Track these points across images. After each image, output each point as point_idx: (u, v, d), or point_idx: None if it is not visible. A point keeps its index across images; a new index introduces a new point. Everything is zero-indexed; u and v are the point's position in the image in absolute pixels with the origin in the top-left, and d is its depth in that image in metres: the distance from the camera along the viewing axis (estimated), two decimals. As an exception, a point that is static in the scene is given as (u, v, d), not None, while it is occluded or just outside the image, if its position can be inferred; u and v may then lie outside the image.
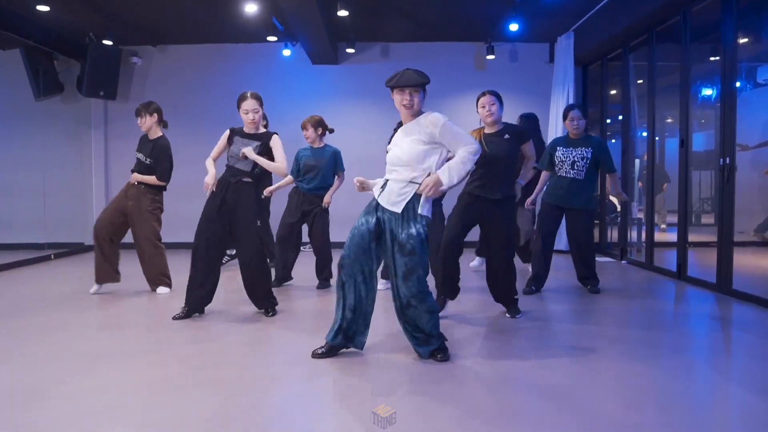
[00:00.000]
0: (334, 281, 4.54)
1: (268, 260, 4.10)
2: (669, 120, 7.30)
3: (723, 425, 2.22)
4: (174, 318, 3.73)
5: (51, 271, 6.03)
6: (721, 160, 4.54)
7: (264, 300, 3.85)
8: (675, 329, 3.70)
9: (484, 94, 3.72)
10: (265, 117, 4.83)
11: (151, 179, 4.46)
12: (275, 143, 3.82)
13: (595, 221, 6.45)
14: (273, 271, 4.70)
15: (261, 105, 3.76)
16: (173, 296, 4.43)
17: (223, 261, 6.16)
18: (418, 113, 2.91)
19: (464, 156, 2.77)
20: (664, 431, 2.11)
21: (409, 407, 2.30)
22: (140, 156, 4.51)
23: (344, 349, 2.99)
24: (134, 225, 4.49)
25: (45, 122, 7.45)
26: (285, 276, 4.89)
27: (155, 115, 4.49)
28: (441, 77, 7.36)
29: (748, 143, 5.87)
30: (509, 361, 2.91)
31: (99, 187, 7.84)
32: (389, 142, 3.05)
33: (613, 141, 7.41)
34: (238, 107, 3.74)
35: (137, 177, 4.47)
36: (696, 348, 3.30)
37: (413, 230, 2.80)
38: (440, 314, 3.14)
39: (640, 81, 6.53)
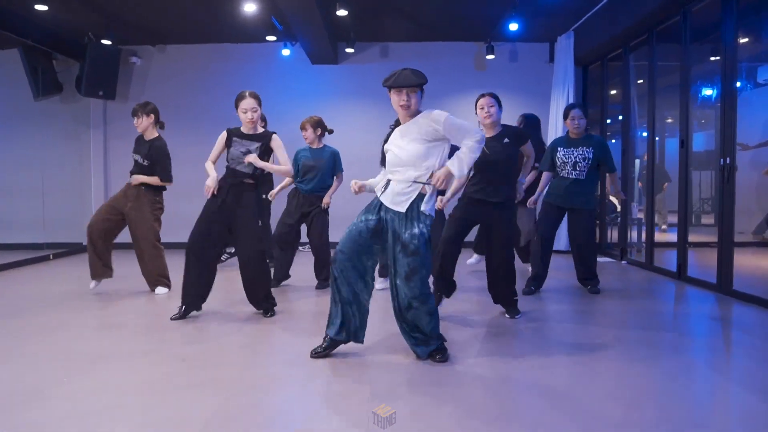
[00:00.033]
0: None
1: (268, 261, 4.09)
2: (669, 120, 7.30)
3: (723, 425, 2.22)
4: (172, 318, 3.73)
5: (50, 271, 6.02)
6: (722, 160, 4.53)
7: (263, 301, 3.84)
8: (675, 330, 3.70)
9: (483, 95, 3.72)
10: (263, 118, 4.83)
11: (153, 180, 4.45)
12: (276, 144, 3.81)
13: (596, 221, 6.45)
14: (272, 271, 4.70)
15: (259, 104, 3.74)
16: (172, 296, 4.42)
17: (223, 259, 6.17)
18: (415, 113, 2.89)
19: (471, 145, 2.78)
20: (664, 431, 2.11)
21: (408, 407, 2.29)
22: (137, 158, 4.49)
23: (343, 344, 2.99)
24: (133, 225, 4.48)
25: (44, 122, 7.44)
26: (283, 275, 4.89)
27: (152, 115, 4.46)
28: (441, 77, 7.37)
29: (748, 143, 5.87)
30: (509, 362, 2.90)
31: (98, 187, 7.83)
32: (384, 142, 3.03)
33: (613, 141, 7.41)
34: (236, 106, 3.71)
35: (139, 178, 4.44)
36: (696, 348, 3.30)
37: (416, 230, 2.79)
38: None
39: (640, 81, 6.53)
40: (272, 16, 6.46)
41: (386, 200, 2.87)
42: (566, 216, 4.66)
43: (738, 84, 4.58)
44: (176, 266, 4.94)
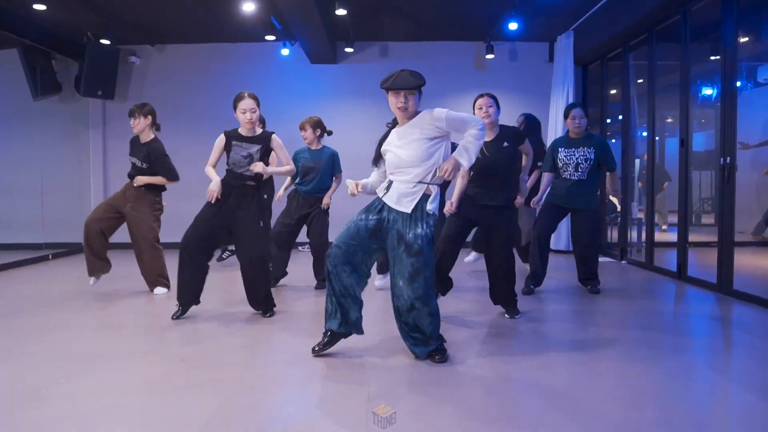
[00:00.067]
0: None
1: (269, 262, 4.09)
2: (669, 120, 7.31)
3: (723, 425, 2.21)
4: (173, 318, 3.73)
5: (49, 271, 6.01)
6: (722, 159, 4.53)
7: (263, 302, 3.84)
8: (675, 330, 3.70)
9: (481, 95, 3.72)
10: (262, 119, 4.81)
11: (157, 179, 4.44)
12: (276, 144, 3.80)
13: (599, 221, 6.45)
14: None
15: (258, 105, 3.73)
16: (171, 297, 4.41)
17: (224, 256, 6.17)
18: (413, 115, 2.89)
19: (474, 133, 2.82)
20: (664, 431, 2.11)
21: (408, 408, 2.29)
22: (135, 161, 4.46)
23: (344, 338, 3.00)
24: (133, 226, 4.47)
25: (43, 122, 7.43)
26: (281, 274, 4.89)
27: (149, 117, 4.44)
28: (440, 77, 7.37)
29: (749, 142, 5.88)
30: (509, 362, 2.90)
31: (97, 187, 7.83)
32: (381, 143, 3.01)
33: (613, 141, 7.41)
34: (235, 107, 3.69)
35: (143, 179, 4.43)
36: (696, 348, 3.29)
37: (420, 230, 2.79)
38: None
39: (640, 80, 6.53)
40: (271, 15, 6.45)
41: (390, 201, 2.86)
42: (569, 216, 4.66)
43: (738, 83, 4.57)
44: (175, 266, 4.92)
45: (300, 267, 5.47)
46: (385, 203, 2.89)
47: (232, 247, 5.89)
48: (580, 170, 4.45)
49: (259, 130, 3.83)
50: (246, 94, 3.68)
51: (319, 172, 4.70)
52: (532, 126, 5.30)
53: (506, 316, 3.80)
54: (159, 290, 4.59)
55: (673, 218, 5.66)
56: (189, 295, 3.77)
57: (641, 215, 6.63)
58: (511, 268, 3.74)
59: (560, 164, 4.53)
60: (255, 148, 3.73)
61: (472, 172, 3.70)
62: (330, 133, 4.82)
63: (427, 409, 2.29)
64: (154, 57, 7.86)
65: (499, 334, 3.44)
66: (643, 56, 6.16)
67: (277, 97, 7.42)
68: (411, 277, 2.78)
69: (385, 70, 3.11)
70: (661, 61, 5.84)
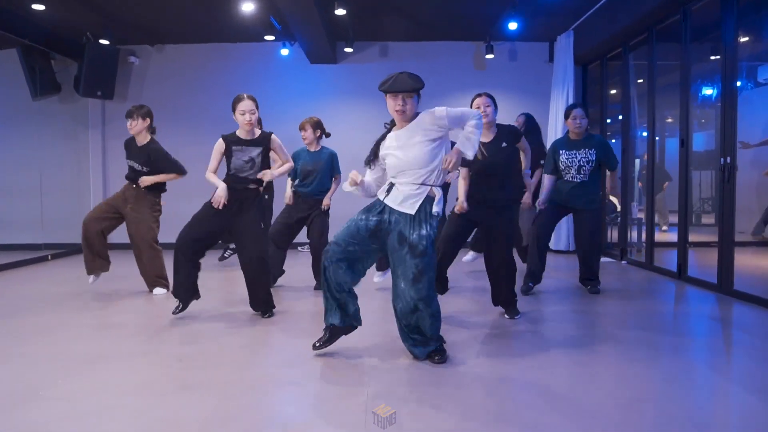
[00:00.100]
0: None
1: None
2: (669, 120, 7.31)
3: (723, 425, 2.21)
4: (174, 313, 3.77)
5: (48, 271, 6.01)
6: (722, 159, 4.52)
7: (263, 302, 3.83)
8: (675, 330, 3.69)
9: (479, 95, 3.72)
10: (259, 120, 4.81)
11: (163, 177, 4.42)
12: (276, 144, 3.82)
13: (602, 221, 6.44)
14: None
15: (257, 107, 3.72)
16: (170, 297, 4.40)
17: (226, 255, 6.17)
18: (411, 118, 2.88)
19: (474, 123, 2.87)
20: (664, 431, 2.11)
21: (408, 408, 2.29)
22: (134, 164, 4.44)
23: (344, 335, 3.00)
24: (133, 226, 4.46)
25: (42, 122, 7.43)
26: (279, 272, 4.88)
27: (147, 119, 4.42)
28: (440, 77, 7.37)
29: (749, 142, 5.87)
30: (508, 362, 2.90)
31: (96, 187, 7.82)
32: (377, 144, 3.00)
33: (613, 141, 7.40)
34: (234, 109, 3.68)
35: (149, 179, 4.40)
36: (696, 349, 3.29)
37: (424, 231, 2.79)
38: None
39: (640, 80, 6.53)
40: (271, 15, 6.45)
41: (393, 203, 2.85)
42: (570, 216, 4.65)
43: (738, 83, 4.57)
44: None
45: (299, 267, 5.47)
46: (386, 205, 2.88)
47: (233, 246, 5.89)
48: (582, 173, 4.43)
49: (257, 132, 3.83)
50: (245, 96, 3.68)
51: (319, 173, 4.69)
52: (532, 127, 5.30)
53: (506, 316, 3.80)
54: (158, 291, 4.58)
55: (674, 218, 5.66)
56: (184, 293, 3.79)
57: (641, 215, 6.63)
58: (511, 268, 3.74)
59: (562, 167, 4.51)
60: (256, 152, 3.73)
61: (472, 173, 3.70)
62: (328, 135, 4.82)
63: (427, 409, 2.29)
64: (154, 57, 7.85)
65: (499, 334, 3.44)
66: (643, 56, 6.15)
67: (277, 97, 7.42)
68: (415, 278, 2.76)
69: (384, 70, 3.11)
70: (661, 61, 5.84)
